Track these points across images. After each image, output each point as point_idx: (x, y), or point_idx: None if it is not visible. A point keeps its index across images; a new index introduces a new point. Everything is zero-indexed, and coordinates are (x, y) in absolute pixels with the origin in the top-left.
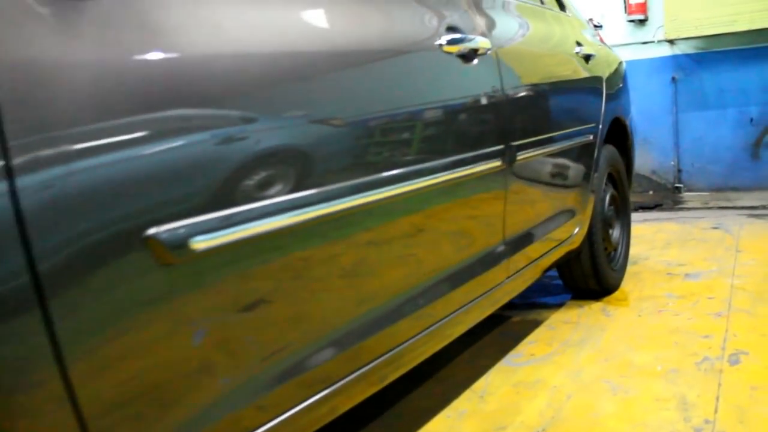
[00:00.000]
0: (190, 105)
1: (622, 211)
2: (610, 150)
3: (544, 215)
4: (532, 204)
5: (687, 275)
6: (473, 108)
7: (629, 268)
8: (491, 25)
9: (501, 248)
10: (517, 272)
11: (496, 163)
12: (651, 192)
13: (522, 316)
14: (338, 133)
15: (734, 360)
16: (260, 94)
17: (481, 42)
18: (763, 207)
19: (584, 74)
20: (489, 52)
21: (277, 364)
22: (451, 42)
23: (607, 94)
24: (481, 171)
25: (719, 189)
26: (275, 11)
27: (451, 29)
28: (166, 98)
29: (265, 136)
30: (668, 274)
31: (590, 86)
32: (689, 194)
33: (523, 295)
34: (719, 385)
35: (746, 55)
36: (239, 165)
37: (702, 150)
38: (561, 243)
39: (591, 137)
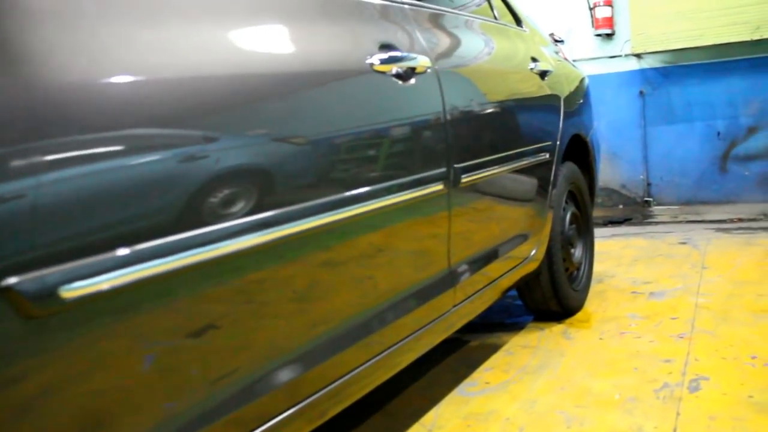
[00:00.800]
0: (48, 137)
1: (584, 230)
2: (570, 168)
3: (495, 239)
4: (481, 228)
5: (652, 294)
6: (411, 130)
7: (594, 287)
8: (433, 41)
9: (447, 275)
10: (466, 299)
11: (437, 187)
12: (621, 206)
13: (481, 339)
14: (250, 162)
15: (694, 387)
16: (145, 120)
17: (420, 60)
18: (731, 220)
19: (539, 91)
20: (429, 70)
21: (195, 407)
22: (384, 61)
23: (565, 111)
24: (421, 196)
25: (688, 202)
26: (167, 31)
27: (386, 47)
28: (17, 130)
29: (159, 165)
30: (633, 292)
31: (546, 103)
32: (659, 208)
33: (485, 315)
34: (677, 414)
35: (712, 70)
36: (118, 201)
37: (671, 164)
38: (517, 266)
39: (547, 156)
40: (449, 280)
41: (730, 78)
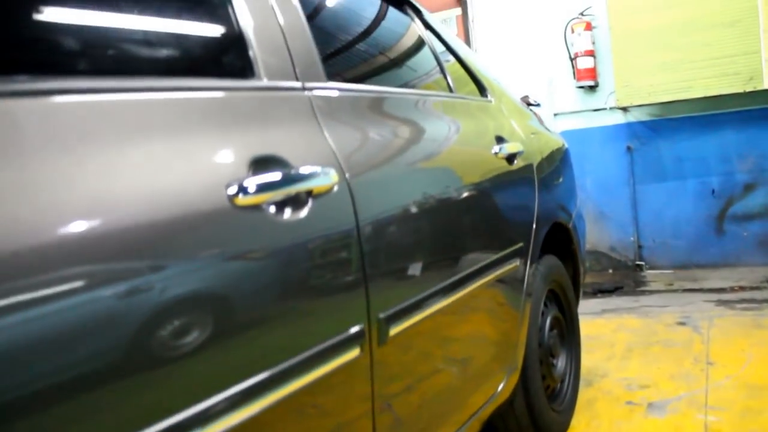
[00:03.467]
0: None
1: (568, 333)
2: (549, 263)
3: (445, 396)
4: (424, 392)
5: (650, 406)
6: (302, 283)
7: (582, 391)
8: (349, 141)
9: None
10: None
11: (352, 353)
12: (611, 270)
13: None
14: None
15: None
16: None
17: (323, 177)
18: (732, 289)
19: (506, 182)
20: (337, 188)
21: None
22: (260, 188)
23: (541, 199)
24: (323, 376)
25: (683, 266)
26: None
27: (264, 164)
28: None
29: None
30: (628, 402)
31: (515, 196)
32: (652, 272)
33: None
34: None
35: (703, 123)
36: None
37: (663, 224)
38: (480, 409)
39: (518, 262)
40: None
41: (723, 131)
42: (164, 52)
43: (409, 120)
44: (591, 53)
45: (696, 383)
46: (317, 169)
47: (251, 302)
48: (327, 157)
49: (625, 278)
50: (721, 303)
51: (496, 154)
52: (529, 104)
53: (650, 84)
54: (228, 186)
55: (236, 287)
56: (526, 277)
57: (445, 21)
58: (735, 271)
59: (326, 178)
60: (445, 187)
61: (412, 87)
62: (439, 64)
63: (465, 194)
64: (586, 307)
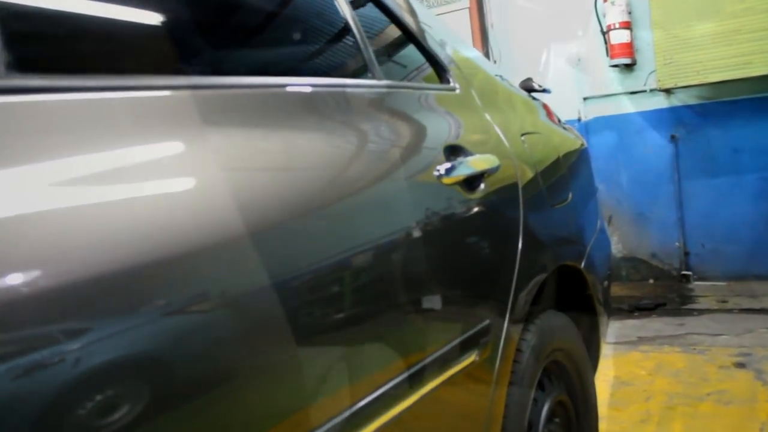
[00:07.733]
0: None
1: (579, 419)
2: (548, 324)
3: None
4: None
5: None
6: None
7: None
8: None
9: None
10: None
11: None
12: (651, 281)
13: None
14: None
15: None
16: None
17: None
18: None
19: (458, 225)
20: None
21: None
22: None
23: (529, 237)
24: None
25: (739, 277)
26: None
27: None
28: None
29: None
30: None
31: (477, 243)
32: (700, 284)
33: None
34: None
35: (765, 106)
36: None
37: (714, 227)
38: None
39: (474, 355)
40: None
41: None
42: None
43: (243, 131)
44: (627, 25)
45: None
46: None
47: None
48: None
49: (668, 291)
50: None
51: (439, 177)
52: (531, 90)
53: (698, 61)
54: None
55: None
56: (496, 370)
57: None
58: None
59: None
60: (311, 262)
61: (285, 72)
62: (354, 29)
63: (359, 270)
64: (619, 331)
